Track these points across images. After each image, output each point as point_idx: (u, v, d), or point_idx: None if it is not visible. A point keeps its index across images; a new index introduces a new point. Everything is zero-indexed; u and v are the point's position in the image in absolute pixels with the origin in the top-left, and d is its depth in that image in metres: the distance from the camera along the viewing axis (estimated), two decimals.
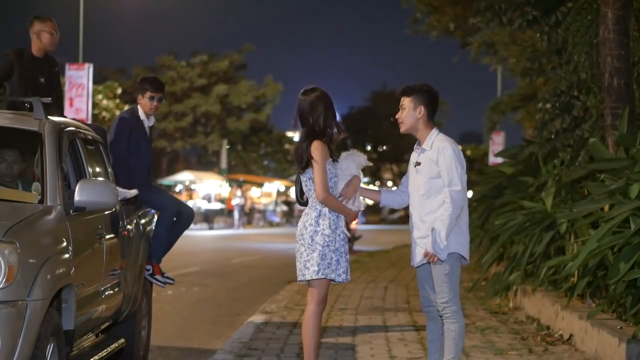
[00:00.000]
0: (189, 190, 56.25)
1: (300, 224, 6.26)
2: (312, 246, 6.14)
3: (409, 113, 6.20)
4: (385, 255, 23.68)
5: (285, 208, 59.37)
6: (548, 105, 11.48)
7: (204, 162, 67.87)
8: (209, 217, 46.57)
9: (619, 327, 7.32)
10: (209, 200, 50.81)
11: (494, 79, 38.14)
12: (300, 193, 6.34)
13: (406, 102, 6.22)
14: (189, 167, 62.66)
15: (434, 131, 6.21)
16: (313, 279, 6.17)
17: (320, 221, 6.16)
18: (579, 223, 8.69)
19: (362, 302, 11.53)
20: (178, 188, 60.11)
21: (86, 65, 30.97)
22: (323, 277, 6.13)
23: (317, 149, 6.10)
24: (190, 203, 48.99)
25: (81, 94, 30.48)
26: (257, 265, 20.88)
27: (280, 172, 65.36)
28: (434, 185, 6.12)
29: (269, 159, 71.22)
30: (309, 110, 6.19)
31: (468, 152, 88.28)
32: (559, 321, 8.90)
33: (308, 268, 6.15)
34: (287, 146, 75.20)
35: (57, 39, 8.01)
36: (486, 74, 26.16)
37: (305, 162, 6.14)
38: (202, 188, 54.46)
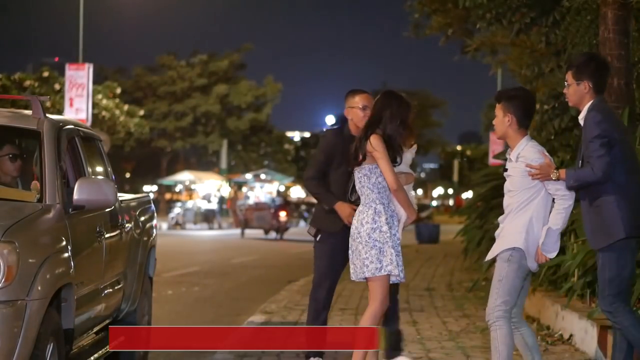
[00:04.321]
0: (189, 190, 56.21)
1: (355, 222, 6.21)
2: (370, 243, 6.11)
3: (498, 120, 6.07)
4: None
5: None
6: (546, 107, 11.48)
7: (204, 162, 67.90)
8: (209, 217, 46.51)
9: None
10: (209, 200, 50.76)
11: (495, 79, 38.11)
12: (351, 191, 6.41)
13: (497, 109, 6.09)
14: (189, 167, 62.67)
15: (524, 140, 5.97)
16: (374, 278, 6.12)
17: (376, 218, 6.15)
18: (579, 222, 8.67)
19: (362, 302, 11.51)
20: (178, 188, 60.14)
21: (86, 65, 30.99)
22: (386, 273, 6.10)
23: (378, 142, 6.14)
24: (190, 203, 49.04)
25: (81, 94, 30.50)
26: (257, 265, 20.86)
27: (281, 171, 65.34)
28: (516, 197, 6.00)
29: (269, 159, 71.21)
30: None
31: (468, 152, 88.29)
32: (559, 321, 8.89)
33: (367, 265, 6.11)
34: (287, 146, 75.26)
35: (369, 113, 6.73)
36: (486, 74, 26.06)
37: (363, 157, 6.17)
38: (202, 188, 54.43)
